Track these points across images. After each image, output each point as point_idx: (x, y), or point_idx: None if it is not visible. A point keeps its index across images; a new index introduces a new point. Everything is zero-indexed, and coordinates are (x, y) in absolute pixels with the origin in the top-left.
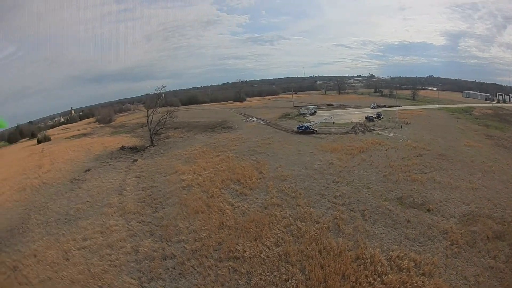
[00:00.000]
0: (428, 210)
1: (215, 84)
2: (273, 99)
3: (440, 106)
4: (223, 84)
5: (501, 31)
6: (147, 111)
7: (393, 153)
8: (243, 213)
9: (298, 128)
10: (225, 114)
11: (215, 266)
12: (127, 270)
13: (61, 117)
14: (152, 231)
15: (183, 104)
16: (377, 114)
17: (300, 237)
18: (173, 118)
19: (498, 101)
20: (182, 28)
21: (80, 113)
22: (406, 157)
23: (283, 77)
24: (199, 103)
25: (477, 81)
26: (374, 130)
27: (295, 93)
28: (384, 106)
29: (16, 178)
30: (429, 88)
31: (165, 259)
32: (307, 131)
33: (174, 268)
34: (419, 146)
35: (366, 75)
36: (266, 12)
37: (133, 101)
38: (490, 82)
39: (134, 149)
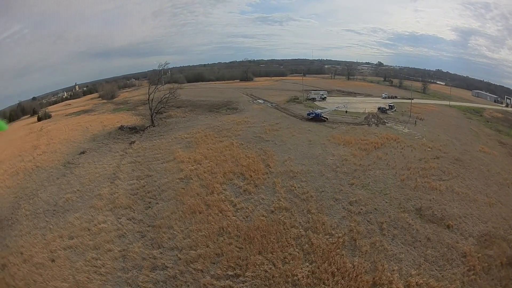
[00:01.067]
0: (448, 227)
1: (222, 62)
2: (280, 80)
3: (452, 103)
4: (230, 62)
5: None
6: (149, 88)
7: (409, 153)
8: (247, 217)
9: (308, 114)
10: (231, 94)
11: (211, 286)
12: (113, 280)
13: (65, 92)
14: (143, 232)
15: (189, 82)
16: (389, 105)
17: (312, 253)
18: (175, 97)
19: (507, 105)
20: (191, 5)
21: (84, 88)
22: (423, 159)
23: (291, 58)
24: (205, 81)
25: (485, 81)
26: (387, 123)
27: (303, 75)
28: (396, 97)
29: (11, 160)
30: (438, 82)
31: (155, 270)
32: (317, 118)
33: (165, 283)
34: (435, 146)
35: (375, 63)
36: None
37: (138, 76)
38: (498, 84)
39: (133, 129)
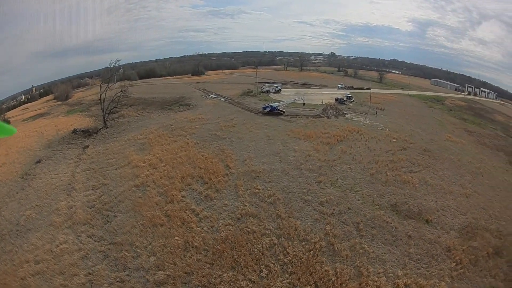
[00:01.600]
0: (427, 222)
1: (173, 56)
2: (232, 73)
3: (411, 92)
4: (182, 56)
5: (474, 27)
6: (100, 88)
7: (374, 145)
8: (212, 228)
9: (264, 108)
10: (183, 89)
11: None
12: None
13: (23, 96)
14: (105, 252)
15: (141, 78)
16: (347, 96)
17: (289, 263)
18: (127, 95)
19: (469, 93)
20: (144, 0)
21: (41, 90)
22: (390, 151)
23: (242, 51)
24: (157, 77)
25: (443, 69)
26: (347, 114)
27: (255, 68)
28: (353, 87)
29: None
30: (394, 71)
31: None
32: (274, 112)
33: None
34: (400, 137)
35: (327, 53)
36: None
37: (91, 75)
38: (458, 73)
39: (87, 132)
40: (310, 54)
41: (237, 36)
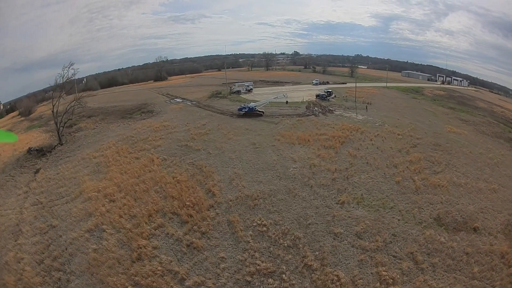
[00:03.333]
0: (475, 230)
1: (136, 65)
2: (196, 76)
3: (389, 84)
4: (144, 64)
5: (440, 18)
6: (52, 100)
7: (383, 144)
8: None
9: (240, 109)
10: (145, 95)
11: None
12: None
13: None
14: None
15: (103, 87)
16: (327, 91)
17: None
18: (82, 105)
19: (442, 82)
20: (106, 9)
21: (8, 106)
22: (403, 150)
23: (204, 55)
24: (119, 85)
25: (410, 61)
26: (335, 111)
27: (219, 70)
28: (328, 82)
29: None
30: (360, 66)
31: None
32: (251, 113)
33: None
34: (404, 133)
35: (290, 53)
36: None
37: (55, 88)
38: (425, 64)
39: (40, 152)
40: (272, 55)
41: (199, 41)
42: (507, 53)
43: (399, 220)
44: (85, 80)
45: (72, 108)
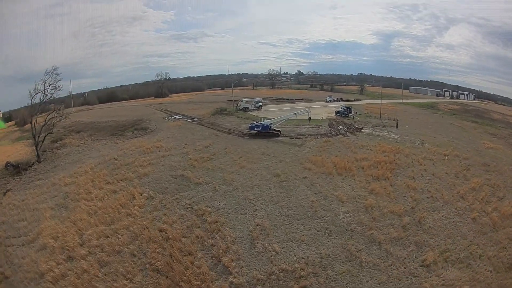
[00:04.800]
0: None
1: (138, 82)
2: (199, 94)
3: (404, 101)
4: (145, 82)
5: (441, 32)
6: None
7: (435, 169)
8: None
9: (252, 128)
10: (142, 111)
11: None
12: None
13: None
14: None
15: (102, 102)
16: (347, 108)
17: None
18: (61, 116)
19: (452, 97)
20: (109, 24)
21: (7, 116)
22: (459, 174)
23: (206, 74)
24: (119, 100)
25: (412, 78)
26: (363, 129)
27: (222, 89)
28: (342, 99)
29: None
30: (365, 84)
31: None
32: (266, 132)
33: None
34: (449, 153)
35: (293, 73)
36: (192, 8)
37: (56, 101)
38: (429, 80)
39: (16, 168)
40: (276, 74)
41: (201, 60)
42: (507, 63)
43: (491, 272)
44: (86, 94)
45: (52, 120)
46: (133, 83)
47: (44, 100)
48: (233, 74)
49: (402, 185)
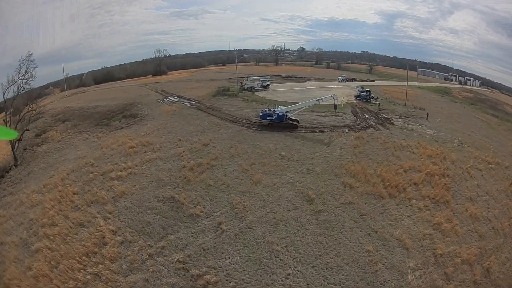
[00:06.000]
0: None
1: (138, 60)
2: (199, 71)
3: (413, 83)
4: (144, 59)
5: (445, 16)
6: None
7: (486, 184)
8: None
9: (264, 116)
10: (136, 92)
11: None
12: None
13: None
14: None
15: (98, 83)
16: (366, 91)
17: None
18: (34, 110)
19: (460, 82)
20: (107, 4)
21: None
22: (508, 191)
23: (207, 51)
24: (116, 80)
25: (416, 60)
26: (393, 120)
27: (223, 65)
28: (355, 79)
29: None
30: (367, 63)
31: None
32: (281, 122)
33: None
34: (492, 160)
35: (295, 49)
36: None
37: (57, 84)
38: (434, 62)
39: None
40: (279, 50)
41: (202, 37)
42: (511, 53)
43: None
44: (84, 75)
45: (30, 117)
46: (133, 61)
47: (18, 93)
48: (235, 50)
49: (464, 212)
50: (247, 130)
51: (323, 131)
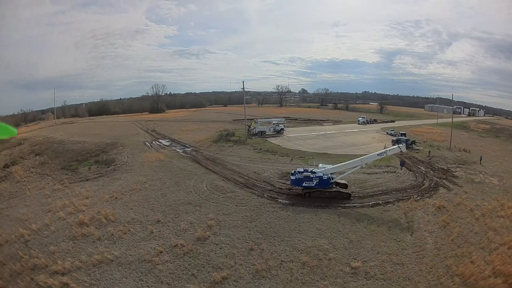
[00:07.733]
0: None
1: (138, 96)
2: (199, 111)
3: (428, 122)
4: (143, 95)
5: (443, 48)
6: None
7: None
8: None
9: (298, 182)
10: (124, 130)
11: None
12: None
13: None
14: None
15: (92, 115)
16: (401, 134)
17: None
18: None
19: (469, 114)
20: (111, 36)
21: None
22: None
23: (208, 91)
24: (110, 114)
25: (417, 96)
26: (455, 172)
27: (224, 106)
28: (376, 120)
29: None
30: (370, 103)
31: None
32: (325, 190)
33: None
34: None
35: (297, 91)
36: (194, 24)
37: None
38: (435, 97)
39: None
40: (284, 92)
41: (203, 76)
42: (509, 76)
43: None
44: (84, 105)
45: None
46: (133, 97)
47: None
48: (235, 91)
49: None
50: (271, 205)
51: (389, 202)
